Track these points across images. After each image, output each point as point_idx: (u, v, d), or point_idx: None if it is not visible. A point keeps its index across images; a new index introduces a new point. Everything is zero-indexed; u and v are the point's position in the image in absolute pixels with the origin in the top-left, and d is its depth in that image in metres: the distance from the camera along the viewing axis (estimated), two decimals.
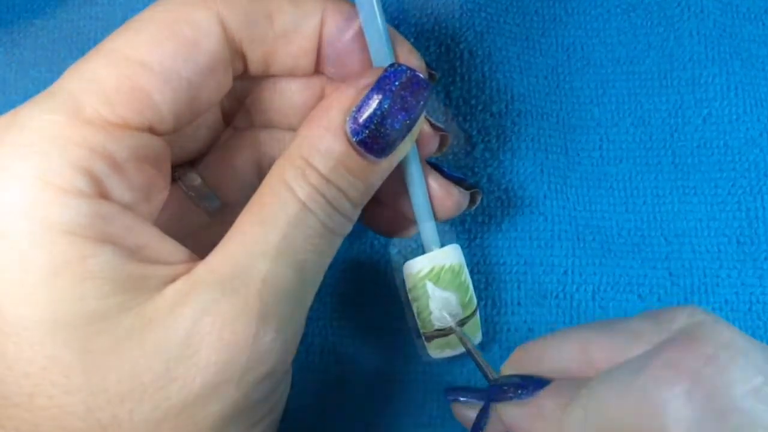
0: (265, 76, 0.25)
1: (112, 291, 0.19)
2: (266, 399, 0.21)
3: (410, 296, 0.27)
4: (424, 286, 0.26)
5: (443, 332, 0.27)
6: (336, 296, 0.31)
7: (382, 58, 0.23)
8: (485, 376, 0.25)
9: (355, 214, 0.23)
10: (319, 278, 0.22)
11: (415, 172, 0.25)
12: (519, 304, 0.31)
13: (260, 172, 0.26)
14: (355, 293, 0.31)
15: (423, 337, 0.28)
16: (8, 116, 0.20)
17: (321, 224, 0.21)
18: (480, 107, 0.33)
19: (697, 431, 0.16)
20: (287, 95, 0.25)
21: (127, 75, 0.20)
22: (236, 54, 0.22)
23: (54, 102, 0.19)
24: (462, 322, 0.27)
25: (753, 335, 0.29)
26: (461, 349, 0.28)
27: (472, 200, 0.27)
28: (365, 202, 0.23)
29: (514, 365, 0.24)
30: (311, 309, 0.22)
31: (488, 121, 0.30)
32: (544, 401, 0.21)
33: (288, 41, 0.23)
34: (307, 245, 0.21)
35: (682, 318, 0.20)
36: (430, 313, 0.27)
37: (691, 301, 0.30)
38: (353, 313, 0.31)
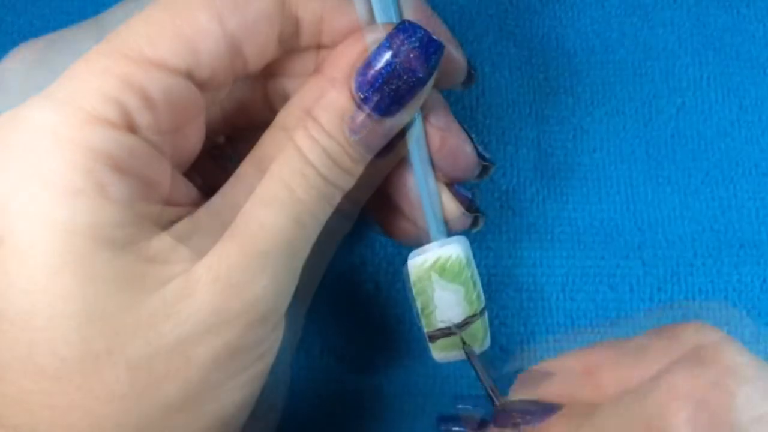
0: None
1: (123, 222, 0.19)
2: (256, 345, 0.21)
3: (414, 291, 0.26)
4: (429, 278, 0.25)
5: (448, 331, 0.26)
6: (335, 296, 0.31)
7: (388, 14, 0.22)
8: (491, 399, 0.24)
9: (357, 170, 0.23)
10: (317, 231, 0.22)
11: (420, 162, 0.24)
12: (490, 298, 0.30)
13: None
14: (354, 293, 0.31)
15: (426, 338, 0.26)
16: (51, 37, 0.20)
17: (320, 177, 0.21)
18: (451, 100, 0.33)
19: None
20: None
21: (174, 19, 0.20)
22: (289, 20, 0.22)
23: (98, 31, 0.20)
24: (467, 321, 0.26)
25: (729, 324, 0.30)
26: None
27: (474, 223, 0.27)
28: (367, 159, 0.23)
29: (520, 388, 0.23)
30: (310, 310, 0.22)
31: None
32: (553, 428, 0.20)
33: (345, 13, 0.23)
34: (306, 195, 0.21)
35: (688, 334, 0.20)
36: (435, 308, 0.25)
37: (665, 290, 0.31)
38: (353, 313, 0.31)
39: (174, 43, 0.20)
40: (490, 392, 0.24)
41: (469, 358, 0.26)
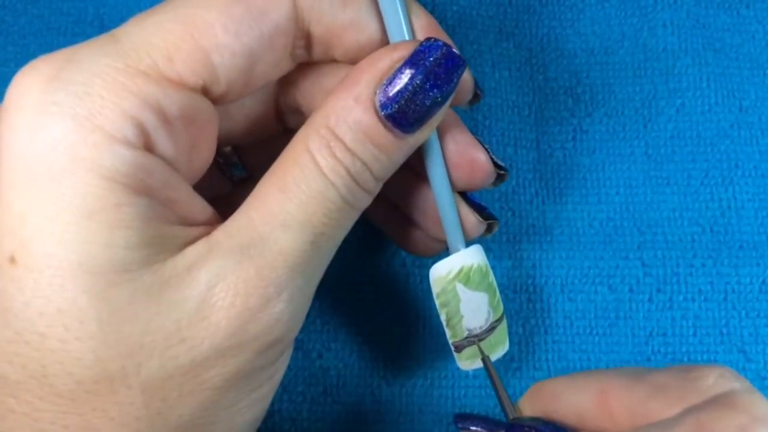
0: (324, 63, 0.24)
1: (138, 243, 0.19)
2: (268, 367, 0.21)
3: (438, 302, 0.26)
4: (454, 288, 0.25)
5: (475, 338, 0.26)
6: (334, 298, 0.31)
7: (399, 33, 0.22)
8: (505, 412, 0.24)
9: (376, 189, 0.23)
10: (332, 252, 0.22)
11: (438, 169, 0.25)
12: None
13: None
14: (353, 295, 0.31)
15: (452, 348, 0.26)
16: (67, 52, 0.20)
17: (341, 198, 0.21)
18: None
19: None
20: (332, 81, 0.24)
21: (191, 34, 0.20)
22: (301, 34, 0.22)
23: (115, 48, 0.19)
24: (493, 327, 0.26)
25: (728, 325, 0.30)
26: (493, 357, 0.27)
27: (488, 229, 0.27)
28: (387, 177, 0.23)
29: (530, 403, 0.23)
30: (309, 310, 0.22)
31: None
32: None
33: (357, 29, 0.23)
34: (325, 219, 0.21)
35: (711, 378, 0.20)
36: (462, 317, 0.26)
37: (664, 291, 0.31)
38: (352, 315, 0.31)
39: (191, 59, 0.20)
40: (505, 405, 0.24)
41: (487, 369, 0.26)
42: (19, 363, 0.19)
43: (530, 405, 0.23)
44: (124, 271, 0.19)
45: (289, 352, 0.23)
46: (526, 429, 0.21)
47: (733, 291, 0.31)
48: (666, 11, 0.34)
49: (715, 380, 0.20)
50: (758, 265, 0.31)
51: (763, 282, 0.30)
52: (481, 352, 0.26)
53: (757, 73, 0.33)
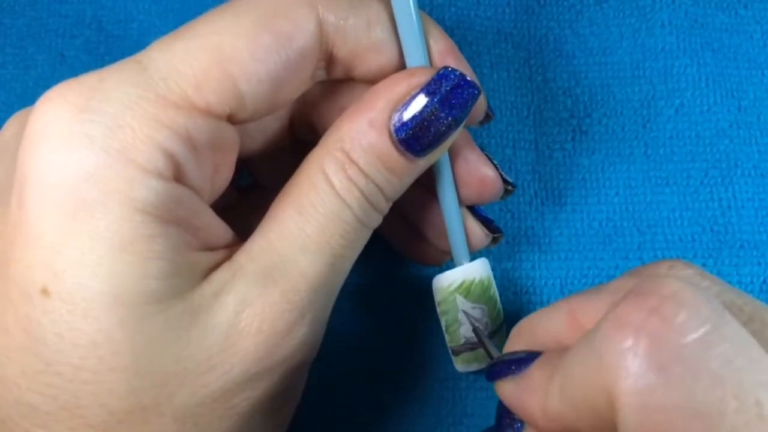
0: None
1: (170, 273, 0.19)
2: (292, 388, 0.22)
3: (439, 310, 0.27)
4: (454, 300, 0.26)
5: (471, 346, 0.27)
6: (337, 299, 0.31)
7: (417, 58, 0.23)
8: (489, 357, 0.25)
9: (387, 208, 0.23)
10: (348, 271, 0.23)
11: (447, 186, 0.25)
12: None
13: (297, 157, 0.27)
14: (356, 295, 0.31)
15: (450, 351, 0.28)
16: (92, 79, 0.19)
17: (356, 218, 0.22)
18: None
19: (643, 385, 0.16)
20: (347, 99, 0.25)
21: (220, 62, 0.20)
22: (323, 56, 0.22)
23: (143, 77, 0.19)
24: (489, 336, 0.27)
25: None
26: (488, 363, 0.27)
27: (493, 241, 0.28)
28: (397, 197, 0.23)
29: (512, 344, 0.24)
30: None
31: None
32: (533, 373, 0.20)
33: (379, 51, 0.23)
34: (342, 240, 0.21)
35: (663, 269, 0.20)
36: (459, 326, 0.27)
37: None
38: (354, 315, 0.31)
39: (220, 87, 0.20)
40: (489, 350, 0.25)
41: (471, 322, 0.27)
42: (50, 394, 0.19)
43: (514, 347, 0.23)
44: (157, 302, 0.19)
45: (307, 370, 0.23)
46: (502, 365, 0.22)
47: None
48: (664, 11, 0.34)
49: (666, 271, 0.20)
50: (759, 264, 0.31)
51: (764, 281, 0.30)
52: (473, 326, 0.27)
53: (755, 72, 0.33)
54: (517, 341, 0.23)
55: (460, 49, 0.25)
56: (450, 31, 0.33)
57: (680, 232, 0.31)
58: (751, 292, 0.30)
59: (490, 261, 0.27)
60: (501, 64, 0.34)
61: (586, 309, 0.21)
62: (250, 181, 0.28)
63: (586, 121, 0.33)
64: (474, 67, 0.33)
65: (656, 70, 0.33)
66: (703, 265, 0.31)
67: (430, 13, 0.33)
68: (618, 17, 0.34)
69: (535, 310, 0.30)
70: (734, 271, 0.31)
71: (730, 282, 0.30)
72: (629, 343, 0.16)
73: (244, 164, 0.28)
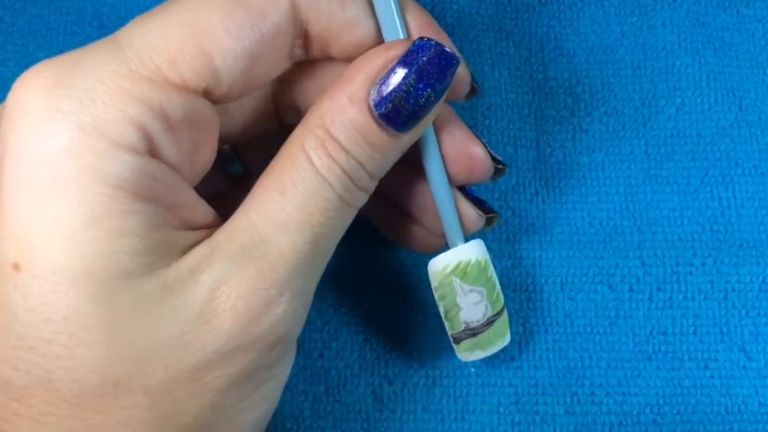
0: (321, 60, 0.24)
1: (143, 250, 0.19)
2: (271, 367, 0.22)
3: (436, 296, 0.26)
4: (451, 283, 0.26)
5: (472, 332, 0.26)
6: (334, 296, 0.31)
7: (393, 32, 0.23)
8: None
9: (371, 187, 0.23)
10: (331, 251, 0.22)
11: (435, 163, 0.25)
12: None
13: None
14: (354, 294, 0.31)
15: (451, 339, 0.27)
16: (70, 57, 0.20)
17: (338, 197, 0.21)
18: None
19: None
20: (329, 78, 0.25)
21: (194, 37, 0.20)
22: (298, 33, 0.22)
23: (117, 53, 0.19)
24: (491, 321, 0.26)
25: (728, 323, 0.30)
26: (492, 350, 0.27)
27: (488, 222, 0.27)
28: (382, 174, 0.23)
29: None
30: (309, 310, 0.22)
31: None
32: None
33: (355, 27, 0.23)
34: (323, 218, 0.21)
35: None
36: (459, 311, 0.26)
37: (664, 290, 0.30)
38: (353, 311, 0.31)
39: (194, 62, 0.20)
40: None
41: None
42: (23, 368, 0.19)
43: None
44: (128, 277, 0.19)
45: (293, 351, 0.23)
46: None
47: (734, 290, 0.30)
48: (666, 10, 0.34)
49: None
50: (758, 263, 0.31)
51: (764, 281, 0.30)
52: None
53: (756, 71, 0.33)
54: None
55: (461, 47, 0.25)
56: (451, 29, 0.33)
57: (680, 231, 0.31)
58: (751, 291, 0.30)
59: (490, 255, 0.27)
60: (502, 62, 0.34)
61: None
62: (242, 171, 0.28)
63: (586, 119, 0.33)
64: (475, 65, 0.33)
65: (657, 68, 0.33)
66: (703, 264, 0.31)
67: (431, 11, 0.33)
68: (619, 16, 0.34)
69: (534, 307, 0.30)
70: (733, 270, 0.31)
71: (729, 281, 0.30)
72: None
73: (235, 152, 0.28)
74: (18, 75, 0.20)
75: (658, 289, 0.31)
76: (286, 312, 0.21)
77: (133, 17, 0.21)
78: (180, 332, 0.19)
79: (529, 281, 0.31)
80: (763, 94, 0.33)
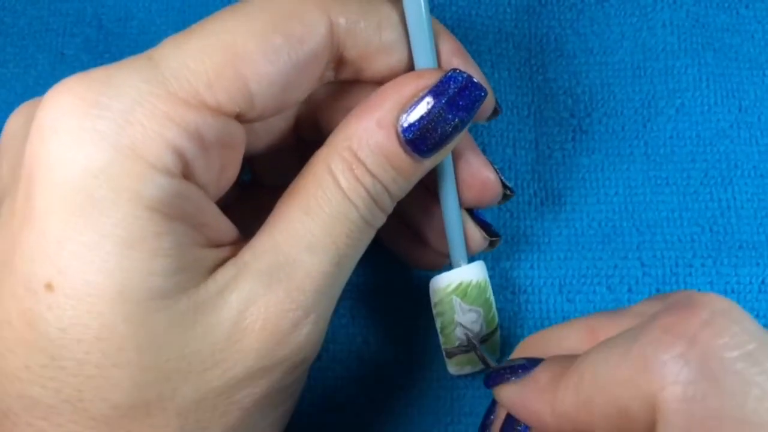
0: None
1: (176, 270, 0.19)
2: (292, 385, 0.22)
3: (435, 311, 0.27)
4: (451, 301, 0.26)
5: (465, 348, 0.27)
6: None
7: (426, 59, 0.23)
8: (485, 365, 0.25)
9: (391, 208, 0.23)
10: (352, 269, 0.23)
11: (449, 187, 0.25)
12: None
13: (299, 156, 0.26)
14: (353, 296, 0.31)
15: (444, 353, 0.28)
16: (102, 73, 0.19)
17: (361, 218, 0.22)
18: None
19: (693, 393, 0.16)
20: (354, 99, 0.25)
21: (232, 61, 0.20)
22: (333, 57, 0.22)
23: (154, 73, 0.19)
24: (484, 339, 0.27)
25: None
26: (481, 366, 0.28)
27: (491, 245, 0.28)
28: (402, 197, 0.23)
29: (521, 352, 0.24)
30: None
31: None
32: (540, 374, 0.21)
33: (389, 53, 0.23)
34: (348, 239, 0.22)
35: (695, 296, 0.20)
36: (455, 328, 0.27)
37: (664, 291, 0.30)
38: (351, 315, 0.31)
39: (231, 87, 0.20)
40: (485, 359, 0.26)
41: (468, 339, 0.27)
42: (53, 387, 0.19)
43: (521, 355, 0.23)
44: (162, 298, 0.19)
45: (307, 372, 0.23)
46: (504, 371, 0.22)
47: (733, 291, 0.30)
48: (665, 11, 0.34)
49: (700, 296, 0.20)
50: (758, 264, 0.31)
51: (763, 282, 0.30)
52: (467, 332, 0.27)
53: (756, 72, 0.33)
54: (525, 352, 0.23)
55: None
56: (450, 30, 0.33)
57: (679, 233, 0.31)
58: (750, 292, 0.30)
59: (488, 260, 0.27)
60: (502, 64, 0.34)
61: (609, 327, 0.21)
62: (249, 178, 0.28)
63: (586, 120, 0.33)
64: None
65: (657, 69, 0.33)
66: (702, 265, 0.31)
67: (431, 12, 0.33)
68: (619, 17, 0.34)
69: (533, 309, 0.30)
70: (733, 271, 0.31)
71: (728, 282, 0.30)
72: (679, 350, 0.17)
73: (247, 161, 0.28)
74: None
75: (658, 290, 0.31)
76: (311, 333, 0.21)
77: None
78: (210, 352, 0.20)
79: (528, 283, 0.31)
80: (762, 96, 0.33)
